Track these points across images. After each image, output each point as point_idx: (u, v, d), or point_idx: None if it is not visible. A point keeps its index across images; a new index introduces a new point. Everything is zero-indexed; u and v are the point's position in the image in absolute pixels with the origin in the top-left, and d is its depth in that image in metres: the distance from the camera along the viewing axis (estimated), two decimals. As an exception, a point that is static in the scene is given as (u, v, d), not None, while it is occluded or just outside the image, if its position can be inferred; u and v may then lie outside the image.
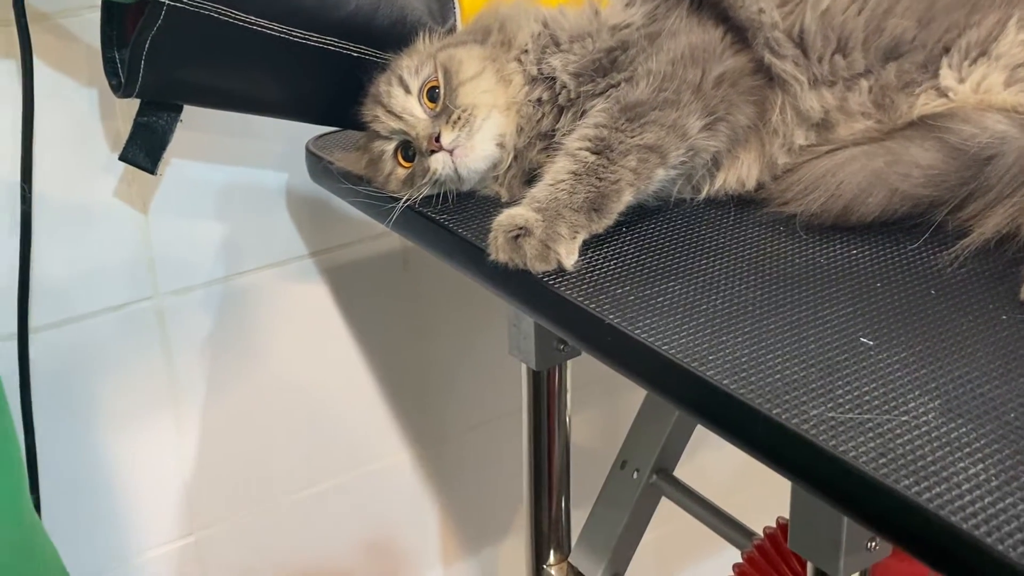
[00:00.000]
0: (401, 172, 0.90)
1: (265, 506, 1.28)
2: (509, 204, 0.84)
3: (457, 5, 1.01)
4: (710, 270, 0.77)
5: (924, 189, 0.80)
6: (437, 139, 0.86)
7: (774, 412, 0.60)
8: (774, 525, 1.11)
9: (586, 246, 0.80)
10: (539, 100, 0.89)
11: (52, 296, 1.05)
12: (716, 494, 1.15)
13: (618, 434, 1.19)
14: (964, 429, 0.58)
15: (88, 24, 0.98)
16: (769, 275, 0.76)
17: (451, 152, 0.86)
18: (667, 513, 1.16)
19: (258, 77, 0.96)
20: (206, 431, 1.20)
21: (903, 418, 0.59)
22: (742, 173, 0.88)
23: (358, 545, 1.38)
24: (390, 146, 0.91)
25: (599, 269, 0.78)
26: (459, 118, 0.86)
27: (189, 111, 0.97)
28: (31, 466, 1.05)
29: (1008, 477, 0.54)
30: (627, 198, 0.81)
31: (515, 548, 1.51)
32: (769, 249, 0.80)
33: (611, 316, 0.71)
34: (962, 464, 0.55)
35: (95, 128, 1.04)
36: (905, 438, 0.57)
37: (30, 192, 1.00)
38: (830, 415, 0.59)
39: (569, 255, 0.77)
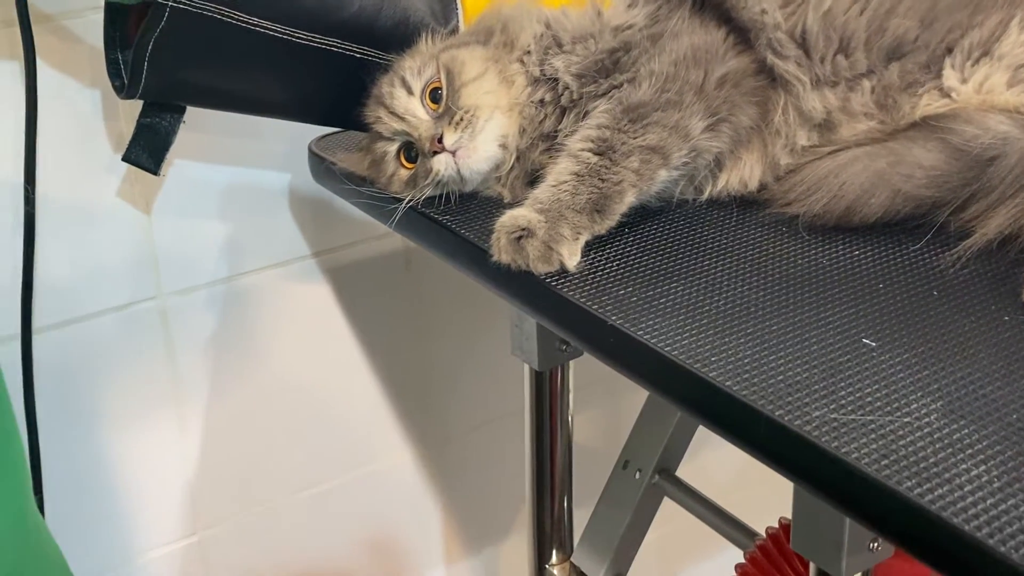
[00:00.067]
0: (404, 173, 0.90)
1: (268, 506, 1.28)
2: (511, 205, 0.84)
3: (459, 6, 1.01)
4: (712, 271, 0.77)
5: (926, 190, 0.80)
6: (440, 140, 0.86)
7: (776, 413, 0.60)
8: (776, 525, 1.11)
9: (588, 247, 0.80)
10: (541, 101, 0.89)
11: (56, 296, 1.06)
12: (718, 494, 1.15)
13: (620, 434, 1.19)
14: (966, 430, 0.58)
15: (91, 25, 0.98)
16: (771, 276, 0.76)
17: (453, 153, 0.86)
18: (669, 513, 1.16)
19: (261, 78, 0.96)
20: (209, 431, 1.20)
21: (905, 419, 0.59)
22: (744, 174, 0.88)
23: (361, 545, 1.38)
24: (392, 147, 0.91)
25: (602, 270, 0.78)
26: (461, 119, 0.86)
27: (192, 112, 0.97)
28: (35, 466, 1.05)
29: (1010, 479, 0.54)
30: (629, 199, 0.81)
31: (517, 548, 1.51)
32: (771, 250, 0.80)
33: (613, 317, 0.71)
34: (964, 465, 0.55)
35: (98, 129, 1.04)
36: (907, 439, 0.57)
37: (33, 193, 1.00)
38: (832, 416, 0.59)
39: (571, 256, 0.77)
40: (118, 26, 0.91)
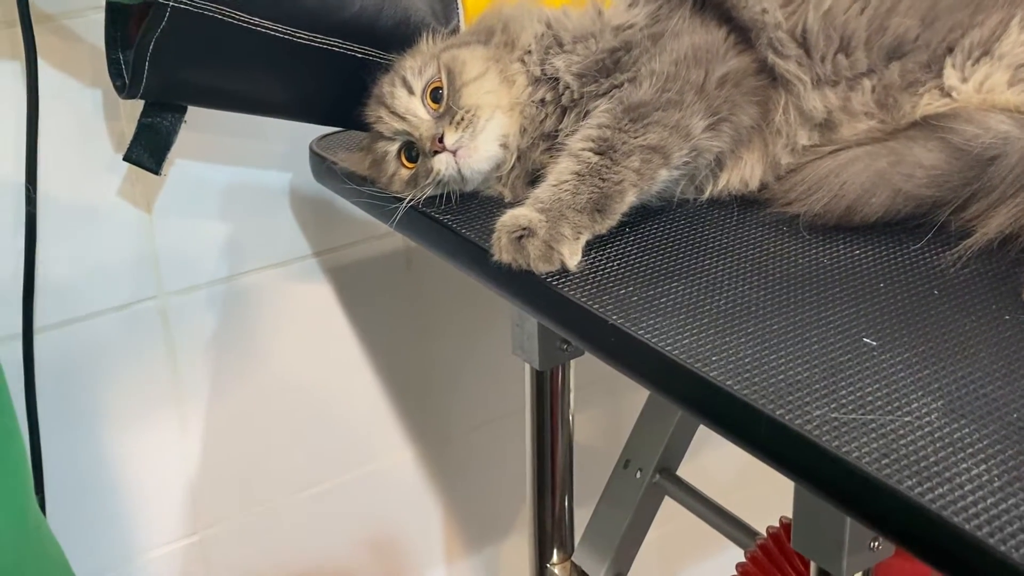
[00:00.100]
0: (404, 173, 0.90)
1: (269, 505, 1.28)
2: (512, 205, 0.84)
3: (460, 6, 1.01)
4: (713, 270, 0.77)
5: (927, 189, 0.80)
6: (440, 140, 0.86)
7: (777, 413, 0.60)
8: (777, 524, 1.11)
9: (589, 247, 0.80)
10: (542, 101, 0.89)
11: (57, 296, 1.06)
12: (719, 493, 1.15)
13: (621, 433, 1.19)
14: (967, 430, 0.58)
15: (92, 25, 0.98)
16: (772, 275, 0.76)
17: (454, 153, 0.86)
18: (670, 512, 1.17)
19: (262, 78, 0.96)
20: (210, 430, 1.20)
21: (906, 419, 0.59)
22: (745, 173, 0.88)
23: (361, 544, 1.38)
24: (393, 147, 0.91)
25: (602, 269, 0.78)
26: (462, 119, 0.86)
27: (193, 112, 0.97)
28: (36, 465, 1.05)
29: (1011, 478, 0.54)
30: (630, 198, 0.81)
31: (518, 547, 1.51)
32: (772, 249, 0.80)
33: (614, 317, 0.71)
34: (965, 465, 0.55)
35: (99, 129, 1.04)
36: (908, 439, 0.57)
37: (35, 192, 1.00)
38: (833, 416, 0.59)
39: (572, 256, 0.77)
40: (119, 26, 0.91)
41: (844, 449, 0.56)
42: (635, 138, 0.81)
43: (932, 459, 0.55)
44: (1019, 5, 0.84)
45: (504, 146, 0.88)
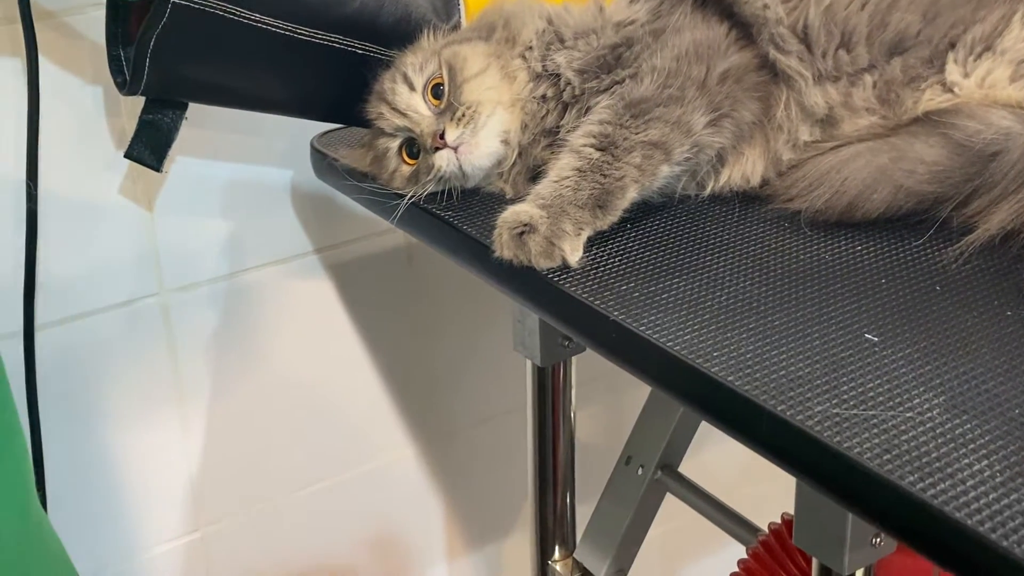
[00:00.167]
0: (406, 169, 0.90)
1: (271, 502, 1.28)
2: (514, 201, 0.84)
3: (461, 2, 1.01)
4: (715, 267, 0.77)
5: (929, 185, 0.80)
6: (441, 136, 0.86)
7: (779, 408, 0.60)
8: (779, 521, 1.11)
9: (591, 243, 0.80)
10: (543, 97, 0.89)
11: (58, 293, 1.06)
12: (721, 490, 1.15)
13: (623, 430, 1.19)
14: (969, 425, 0.58)
15: (93, 22, 0.98)
16: (774, 271, 0.76)
17: (455, 149, 0.86)
18: (672, 509, 1.16)
19: (263, 75, 0.96)
20: (211, 427, 1.20)
21: (908, 414, 0.59)
22: (747, 169, 0.88)
23: (363, 541, 1.38)
24: (394, 143, 0.91)
25: (604, 266, 0.78)
26: (463, 115, 0.86)
27: (194, 108, 0.97)
28: (37, 462, 1.05)
29: (1013, 473, 0.54)
30: (632, 195, 0.81)
31: (520, 544, 1.51)
32: (774, 245, 0.80)
33: (616, 313, 0.71)
34: (966, 460, 0.55)
35: (100, 126, 1.04)
36: (910, 434, 0.57)
37: (36, 190, 1.00)
38: (835, 411, 0.59)
39: (574, 252, 0.77)
40: (120, 23, 0.91)
41: (846, 445, 0.56)
42: (636, 134, 0.81)
43: (934, 455, 0.55)
44: (1021, 1, 0.84)
45: (505, 142, 0.88)
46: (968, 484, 0.53)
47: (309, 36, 0.93)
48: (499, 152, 0.88)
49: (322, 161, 1.05)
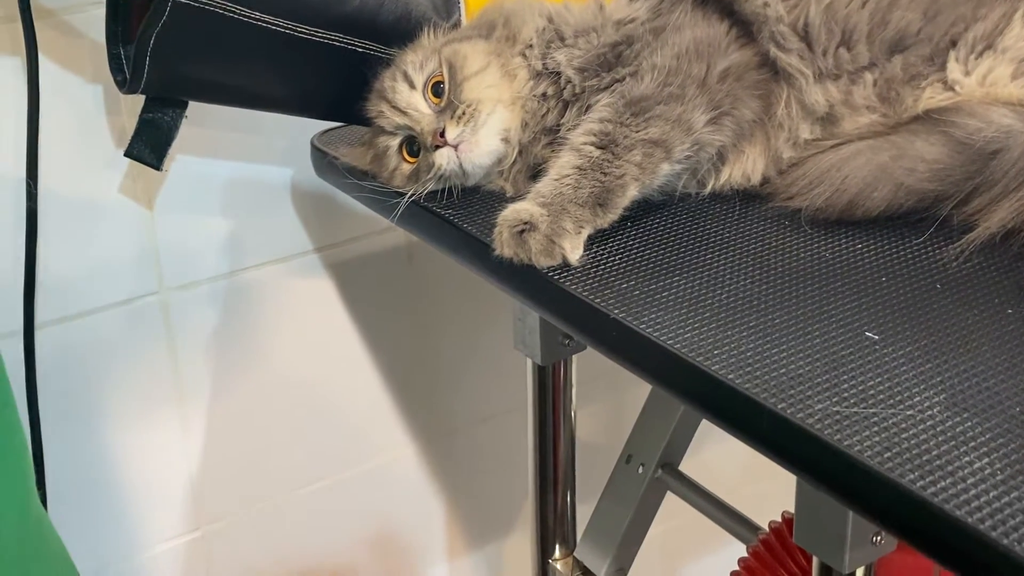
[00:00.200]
0: (406, 167, 0.90)
1: (271, 501, 1.28)
2: (514, 199, 0.84)
3: (461, 0, 1.01)
4: (715, 265, 0.77)
5: (929, 183, 0.80)
6: (442, 134, 0.86)
7: (779, 407, 0.60)
8: (779, 520, 1.11)
9: (591, 241, 0.80)
10: (544, 95, 0.89)
11: (58, 292, 1.06)
12: (721, 489, 1.15)
13: (623, 429, 1.19)
14: (969, 423, 0.58)
15: (93, 20, 0.98)
16: (774, 270, 0.76)
17: (456, 147, 0.86)
18: (672, 508, 1.16)
19: (263, 73, 0.96)
20: (211, 426, 1.20)
21: (908, 412, 0.59)
22: (747, 167, 0.88)
23: (363, 540, 1.38)
24: (395, 141, 0.91)
25: (604, 264, 0.78)
26: (464, 113, 0.86)
27: (194, 107, 0.97)
28: (37, 461, 1.05)
29: (1013, 471, 0.54)
30: (632, 193, 0.81)
31: (520, 543, 1.51)
32: (774, 244, 0.80)
33: (616, 311, 0.71)
34: (967, 458, 0.55)
35: (100, 124, 1.04)
36: (910, 432, 0.57)
37: (36, 188, 1.00)
38: (835, 409, 0.59)
39: (574, 250, 0.77)
40: (120, 21, 0.91)
41: (846, 443, 0.56)
42: (637, 132, 0.81)
43: (934, 452, 0.55)
44: (1022, -1, 0.84)
45: (505, 140, 0.88)
46: (969, 482, 0.53)
47: (309, 34, 0.93)
48: (499, 150, 0.88)
49: (322, 159, 1.05)
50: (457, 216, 0.87)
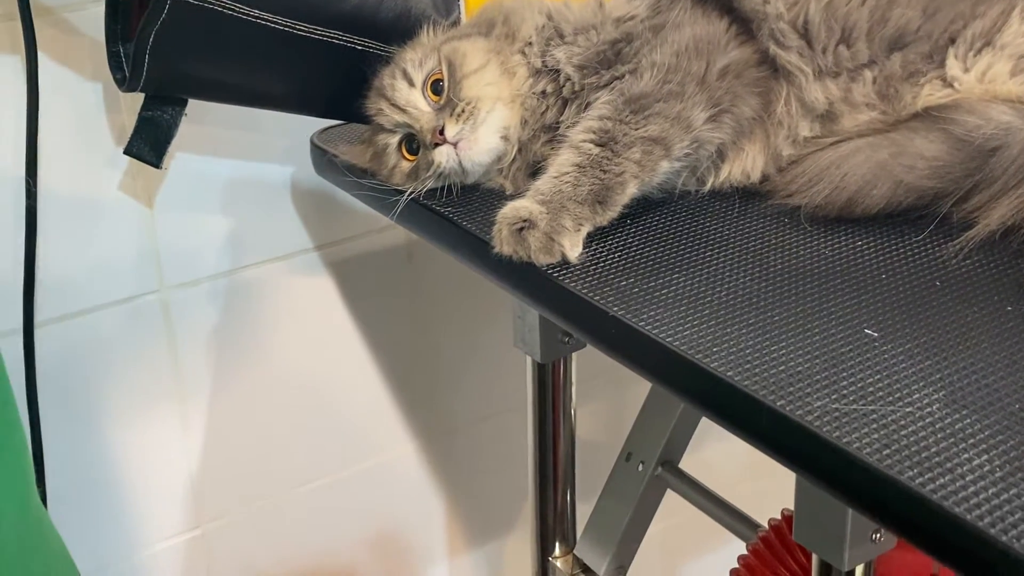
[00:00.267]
0: (405, 165, 0.90)
1: (272, 499, 1.28)
2: (513, 197, 0.84)
3: (461, -2, 1.01)
4: (714, 262, 0.77)
5: (929, 181, 0.80)
6: (441, 132, 0.86)
7: (778, 404, 0.60)
8: (779, 517, 1.11)
9: (590, 238, 0.80)
10: (543, 92, 0.89)
11: (57, 290, 1.06)
12: (721, 486, 1.15)
13: (623, 426, 1.19)
14: (968, 420, 0.58)
15: (92, 18, 0.98)
16: (774, 267, 0.76)
17: (455, 145, 0.86)
18: (672, 505, 1.16)
19: (262, 71, 0.96)
20: (212, 424, 1.20)
21: (907, 409, 0.59)
22: (747, 165, 0.88)
23: (364, 538, 1.38)
24: (394, 139, 0.91)
25: (603, 261, 0.78)
26: (463, 111, 0.86)
27: (194, 105, 0.97)
28: (37, 460, 1.05)
29: (1012, 468, 0.54)
30: (631, 190, 0.81)
31: (520, 541, 1.51)
32: (774, 241, 0.80)
33: (615, 308, 0.71)
34: (966, 455, 0.55)
35: (100, 122, 1.04)
36: (909, 429, 0.57)
37: (35, 186, 1.00)
38: (834, 406, 0.59)
39: (573, 248, 0.77)
40: (119, 19, 0.91)
41: (845, 440, 0.56)
42: (636, 129, 0.81)
43: (933, 450, 0.55)
44: (1021, -4, 0.84)
45: (505, 138, 0.88)
46: (968, 479, 0.53)
47: (308, 32, 0.92)
48: (499, 148, 0.88)
49: (322, 157, 1.05)
50: (456, 214, 0.87)
